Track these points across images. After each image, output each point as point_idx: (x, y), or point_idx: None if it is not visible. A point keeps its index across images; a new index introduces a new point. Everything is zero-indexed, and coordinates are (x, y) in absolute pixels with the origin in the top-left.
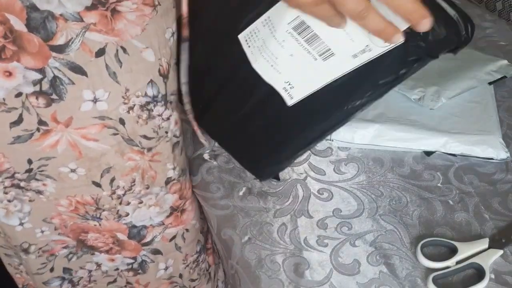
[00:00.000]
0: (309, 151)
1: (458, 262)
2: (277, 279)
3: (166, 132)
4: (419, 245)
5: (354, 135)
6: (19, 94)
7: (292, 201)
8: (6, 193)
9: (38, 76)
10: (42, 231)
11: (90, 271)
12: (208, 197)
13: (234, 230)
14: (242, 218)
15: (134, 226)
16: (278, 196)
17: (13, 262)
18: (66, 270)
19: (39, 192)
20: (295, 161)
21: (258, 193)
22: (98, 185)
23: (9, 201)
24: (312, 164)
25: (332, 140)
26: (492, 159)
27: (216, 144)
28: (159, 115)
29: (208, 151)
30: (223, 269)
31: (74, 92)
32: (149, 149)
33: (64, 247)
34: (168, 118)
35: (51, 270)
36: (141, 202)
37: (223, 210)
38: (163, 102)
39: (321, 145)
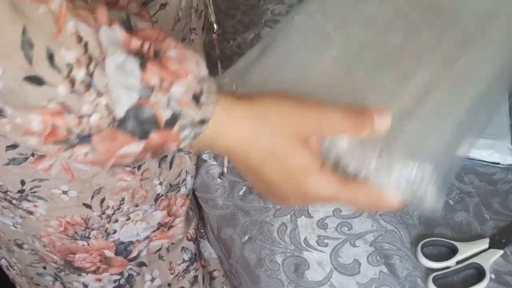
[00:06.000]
0: None
1: (458, 262)
2: (276, 279)
3: None
4: (419, 245)
5: None
6: None
7: None
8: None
9: None
10: (33, 241)
11: None
12: (208, 198)
13: (234, 229)
14: (242, 218)
15: (122, 243)
16: None
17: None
18: (58, 276)
19: (29, 212)
20: None
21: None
22: (88, 206)
23: (3, 207)
24: None
25: None
26: (498, 164)
27: None
28: None
29: (207, 152)
30: (224, 270)
31: None
32: (139, 167)
33: (53, 262)
34: None
35: (44, 268)
36: (128, 219)
37: (223, 210)
38: None
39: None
